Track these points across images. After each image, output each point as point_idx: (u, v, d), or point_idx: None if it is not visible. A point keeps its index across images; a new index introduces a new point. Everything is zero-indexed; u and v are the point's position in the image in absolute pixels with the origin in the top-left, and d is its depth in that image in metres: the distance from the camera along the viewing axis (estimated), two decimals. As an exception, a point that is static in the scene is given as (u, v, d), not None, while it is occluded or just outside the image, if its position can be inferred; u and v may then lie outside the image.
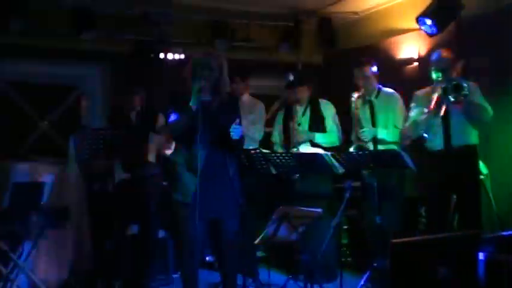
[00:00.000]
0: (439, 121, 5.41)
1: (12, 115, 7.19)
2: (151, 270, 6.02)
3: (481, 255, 3.96)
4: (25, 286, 5.70)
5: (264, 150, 6.05)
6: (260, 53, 7.99)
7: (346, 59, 7.72)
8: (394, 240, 3.58)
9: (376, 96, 6.07)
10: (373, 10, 7.62)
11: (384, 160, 5.47)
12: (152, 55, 7.16)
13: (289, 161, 5.83)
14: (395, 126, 5.96)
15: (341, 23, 7.95)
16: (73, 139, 5.29)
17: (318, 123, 6.35)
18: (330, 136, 6.32)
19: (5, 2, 6.52)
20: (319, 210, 4.59)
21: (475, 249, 3.84)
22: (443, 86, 5.29)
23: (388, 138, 5.94)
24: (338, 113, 6.41)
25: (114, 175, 5.44)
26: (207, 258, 6.77)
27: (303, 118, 6.37)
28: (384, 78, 6.18)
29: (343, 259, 6.68)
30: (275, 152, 6.10)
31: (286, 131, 6.44)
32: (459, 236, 4.06)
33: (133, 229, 6.03)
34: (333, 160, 5.65)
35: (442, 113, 5.35)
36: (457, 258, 3.66)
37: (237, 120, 4.71)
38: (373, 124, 6.01)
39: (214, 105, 4.66)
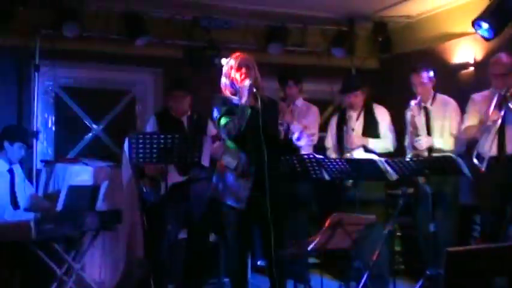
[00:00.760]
0: (494, 127, 5.30)
1: (66, 119, 7.29)
2: (203, 274, 6.03)
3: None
4: (78, 288, 5.78)
5: (317, 156, 6.02)
6: (314, 57, 7.93)
7: (401, 63, 7.66)
8: (450, 249, 3.49)
9: (432, 103, 5.97)
10: (428, 14, 7.49)
11: (439, 167, 5.37)
12: (202, 60, 7.18)
13: (342, 166, 5.79)
14: (451, 134, 5.85)
15: (395, 27, 7.84)
16: (128, 142, 5.31)
17: (371, 129, 6.27)
18: (384, 142, 6.23)
19: (59, 9, 6.61)
20: (372, 216, 4.52)
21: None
22: (502, 91, 5.17)
23: (445, 147, 5.83)
24: (393, 118, 6.31)
25: (166, 178, 5.45)
26: (258, 263, 6.76)
27: (357, 123, 6.29)
28: (439, 83, 6.07)
29: (395, 267, 6.58)
30: (328, 157, 6.05)
31: (340, 136, 6.38)
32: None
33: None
34: (387, 166, 5.59)
35: (499, 119, 5.24)
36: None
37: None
38: (428, 132, 5.91)
39: (259, 107, 4.63)
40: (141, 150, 5.27)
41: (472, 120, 5.59)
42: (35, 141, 6.79)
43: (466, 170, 5.14)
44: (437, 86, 6.05)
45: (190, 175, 5.74)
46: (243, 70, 4.76)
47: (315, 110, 6.62)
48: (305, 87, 6.67)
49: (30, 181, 6.49)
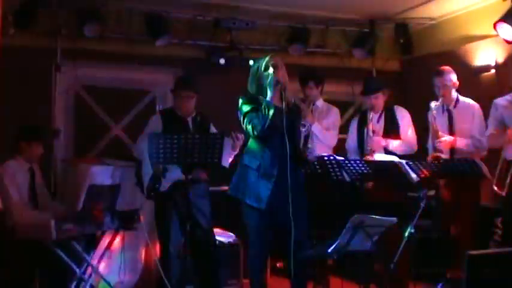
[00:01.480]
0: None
1: (86, 119, 7.31)
2: (221, 274, 6.02)
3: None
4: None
5: (338, 157, 5.99)
6: (334, 58, 7.92)
7: (423, 65, 7.61)
8: (471, 252, 3.46)
9: (455, 106, 5.94)
10: (449, 16, 7.45)
11: (460, 169, 5.33)
12: (222, 61, 7.18)
13: (363, 168, 5.76)
14: (473, 137, 5.81)
15: (417, 29, 7.80)
16: (149, 142, 5.29)
17: (392, 131, 6.22)
18: (405, 144, 6.18)
19: (80, 9, 6.64)
20: (393, 218, 4.48)
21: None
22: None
23: (466, 148, 5.79)
24: (414, 120, 6.27)
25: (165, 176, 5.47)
26: (278, 265, 6.74)
27: (377, 125, 6.25)
28: (460, 85, 6.02)
29: (415, 269, 6.52)
30: (349, 159, 6.01)
31: (360, 138, 6.34)
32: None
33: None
34: (408, 168, 5.55)
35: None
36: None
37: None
38: (451, 134, 5.86)
39: (285, 107, 4.62)
40: (161, 151, 5.25)
41: (495, 126, 5.54)
42: (55, 140, 6.84)
43: (486, 172, 5.09)
44: (459, 88, 5.99)
45: (193, 175, 5.70)
46: (271, 69, 4.74)
47: (335, 111, 6.59)
48: (326, 88, 6.64)
49: (49, 181, 6.55)
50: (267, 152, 4.76)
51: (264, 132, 4.66)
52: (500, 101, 5.57)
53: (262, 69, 4.79)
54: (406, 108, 6.36)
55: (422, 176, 5.49)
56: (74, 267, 5.47)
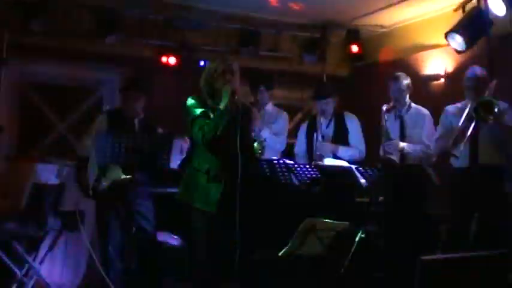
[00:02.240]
0: (466, 139, 5.34)
1: (31, 116, 7.10)
2: (163, 276, 5.91)
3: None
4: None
5: (287, 161, 5.97)
6: (285, 63, 7.89)
7: (373, 72, 7.67)
8: (424, 258, 3.47)
9: (407, 111, 6.02)
10: (401, 24, 7.52)
11: (408, 175, 5.39)
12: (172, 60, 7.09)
13: (312, 172, 5.75)
14: (422, 143, 5.87)
15: (368, 36, 7.85)
16: (96, 141, 5.17)
17: (341, 137, 6.23)
18: (354, 150, 6.20)
19: (28, 2, 6.44)
20: (345, 222, 4.47)
21: (504, 269, 3.74)
22: (474, 103, 5.21)
23: (415, 153, 5.86)
24: (363, 127, 6.30)
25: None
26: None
27: (326, 130, 6.25)
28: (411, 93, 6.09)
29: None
30: (298, 163, 6.00)
31: (309, 143, 6.34)
32: (489, 255, 3.94)
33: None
34: (357, 173, 5.57)
35: (470, 131, 5.27)
36: (486, 277, 3.55)
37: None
38: (402, 139, 5.93)
39: (234, 112, 4.56)
40: (109, 150, 5.15)
41: (443, 132, 5.62)
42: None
43: (434, 179, 5.16)
44: (410, 96, 6.07)
45: (136, 176, 5.58)
46: (226, 76, 4.66)
47: (284, 115, 6.56)
48: (276, 92, 6.63)
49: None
50: (217, 155, 4.67)
51: (214, 138, 4.58)
52: (451, 108, 5.67)
53: (219, 72, 4.70)
54: (355, 114, 6.37)
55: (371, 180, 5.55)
56: (15, 268, 5.32)
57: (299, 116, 8.08)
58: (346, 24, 7.63)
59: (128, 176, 5.42)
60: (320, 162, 6.01)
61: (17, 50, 6.63)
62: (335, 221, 4.43)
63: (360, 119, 6.32)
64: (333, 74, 8.01)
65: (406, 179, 5.46)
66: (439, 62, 7.16)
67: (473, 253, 3.94)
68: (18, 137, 6.99)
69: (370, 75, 7.76)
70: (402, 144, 5.89)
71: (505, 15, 5.71)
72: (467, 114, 5.31)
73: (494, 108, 5.09)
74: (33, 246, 5.61)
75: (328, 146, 6.16)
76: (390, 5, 6.98)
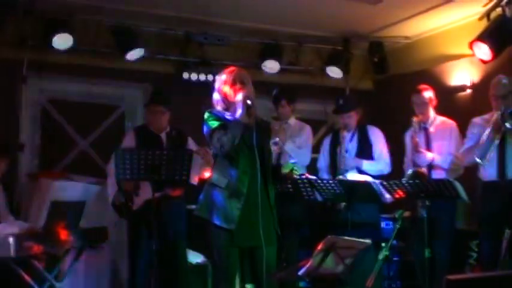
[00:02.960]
0: (494, 149, 5.20)
1: (53, 133, 7.06)
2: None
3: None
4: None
5: (310, 176, 5.86)
6: (307, 76, 7.80)
7: (397, 85, 7.54)
8: (450, 277, 3.33)
9: (432, 124, 5.93)
10: (425, 35, 7.39)
11: (436, 190, 5.24)
12: (194, 76, 7.05)
13: (335, 188, 5.63)
14: (451, 154, 5.79)
15: (392, 48, 7.72)
16: (115, 158, 5.13)
17: (365, 150, 6.15)
18: (378, 164, 6.11)
19: (48, 20, 6.44)
20: (367, 241, 4.33)
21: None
22: (501, 112, 5.09)
23: (443, 165, 5.78)
24: (388, 140, 6.19)
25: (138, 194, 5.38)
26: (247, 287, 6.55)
27: (350, 144, 6.16)
28: (436, 104, 6.01)
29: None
30: (321, 179, 5.89)
31: (333, 157, 6.23)
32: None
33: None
34: (381, 188, 5.44)
35: (497, 140, 5.14)
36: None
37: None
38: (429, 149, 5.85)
39: (253, 126, 4.46)
40: (128, 166, 5.09)
41: (471, 144, 5.50)
42: (19, 155, 6.62)
43: (463, 195, 5.00)
44: (434, 107, 5.98)
45: (165, 192, 5.55)
46: (238, 85, 4.57)
47: (308, 129, 6.48)
48: (298, 106, 6.55)
49: (13, 196, 6.33)
50: (236, 169, 4.57)
51: (232, 150, 4.49)
52: (478, 120, 5.56)
53: (230, 82, 4.62)
54: (379, 127, 6.28)
55: (397, 196, 5.42)
56: (35, 286, 5.26)
57: (323, 130, 7.95)
58: (369, 36, 7.52)
59: (160, 193, 5.42)
60: (342, 177, 5.92)
61: (37, 67, 6.64)
62: (356, 239, 4.28)
63: (384, 132, 6.24)
64: (357, 87, 7.89)
65: (436, 193, 5.30)
66: (464, 72, 7.02)
67: (502, 272, 3.80)
68: (40, 154, 6.96)
69: (394, 88, 7.64)
70: (431, 156, 5.80)
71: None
72: (494, 123, 5.19)
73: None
74: (53, 264, 5.58)
75: (352, 161, 6.06)
76: (413, 15, 6.87)
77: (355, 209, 5.79)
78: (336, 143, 6.24)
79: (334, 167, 6.17)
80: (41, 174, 6.35)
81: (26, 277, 5.13)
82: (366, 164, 6.05)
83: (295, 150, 6.30)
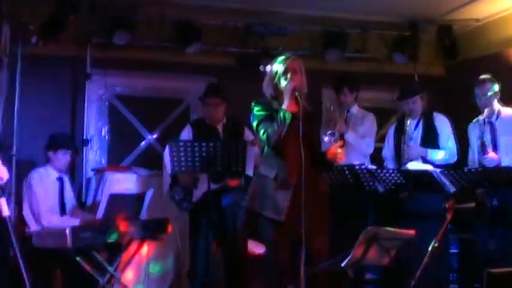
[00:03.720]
0: None
1: (120, 128, 7.24)
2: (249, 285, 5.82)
3: None
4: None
5: (369, 166, 5.72)
6: (374, 64, 7.58)
7: (469, 70, 7.22)
8: (492, 270, 3.18)
9: (497, 118, 5.64)
10: (497, 16, 6.99)
11: (500, 178, 5.00)
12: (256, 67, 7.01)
13: (396, 178, 5.48)
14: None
15: (462, 32, 7.39)
16: (169, 150, 5.18)
17: (431, 139, 5.93)
18: (445, 153, 5.88)
19: (110, 17, 6.58)
20: (411, 231, 4.15)
21: None
22: None
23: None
24: (457, 128, 5.96)
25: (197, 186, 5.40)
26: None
27: (415, 132, 5.96)
28: (508, 90, 5.72)
29: (452, 286, 6.15)
30: (381, 168, 5.73)
31: (398, 146, 6.04)
32: None
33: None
34: (443, 178, 5.24)
35: None
36: None
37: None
38: (495, 148, 5.56)
39: (302, 114, 4.35)
40: (182, 159, 5.14)
41: None
42: (85, 149, 6.82)
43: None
44: (508, 93, 5.71)
45: (223, 184, 5.55)
46: (288, 74, 4.50)
47: (371, 117, 6.34)
48: (366, 95, 6.45)
49: (81, 190, 6.54)
50: (284, 160, 4.48)
51: (279, 141, 4.41)
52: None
53: (281, 73, 4.54)
54: (450, 115, 6.06)
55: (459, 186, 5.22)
56: (97, 276, 5.39)
57: (393, 119, 7.73)
58: (437, 20, 7.21)
59: (218, 185, 5.43)
60: (405, 167, 5.75)
61: (101, 63, 6.81)
62: (400, 230, 4.12)
63: (454, 121, 6.01)
64: (426, 74, 7.59)
65: (498, 181, 5.06)
66: (539, 54, 6.64)
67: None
68: (107, 149, 7.15)
69: (465, 73, 7.32)
70: (497, 157, 5.48)
71: None
72: None
73: None
74: (115, 255, 5.70)
75: (416, 149, 5.85)
76: (483, -5, 6.56)
77: (419, 200, 5.63)
78: (400, 131, 6.05)
79: (400, 156, 5.97)
80: (105, 169, 6.51)
81: (87, 267, 5.29)
82: (431, 153, 5.83)
83: (358, 140, 6.19)
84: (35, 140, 6.18)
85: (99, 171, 6.53)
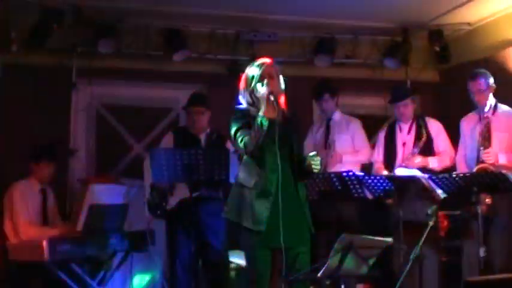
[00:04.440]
0: None
1: (107, 138, 7.14)
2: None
3: None
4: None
5: (357, 173, 5.60)
6: (365, 69, 7.45)
7: (461, 75, 7.09)
8: (469, 279, 3.07)
9: (493, 113, 5.50)
10: (488, 20, 6.85)
11: (489, 184, 4.87)
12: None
13: (384, 184, 5.35)
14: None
15: (453, 36, 7.24)
16: (150, 159, 5.08)
17: (425, 144, 5.79)
18: (444, 158, 5.82)
19: (95, 25, 6.49)
20: (388, 239, 4.01)
21: None
22: None
23: (510, 164, 5.33)
24: (454, 133, 5.87)
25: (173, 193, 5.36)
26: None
27: (407, 136, 5.88)
28: (502, 93, 5.63)
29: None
30: (368, 175, 5.61)
31: (389, 150, 5.96)
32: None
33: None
34: (432, 183, 5.11)
35: None
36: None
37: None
38: (489, 144, 5.41)
39: (279, 121, 4.22)
40: (164, 168, 5.03)
41: None
42: (70, 160, 6.74)
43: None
44: (501, 96, 5.60)
45: (201, 193, 5.44)
46: (265, 80, 4.37)
47: (357, 124, 6.26)
48: (357, 101, 6.34)
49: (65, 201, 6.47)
50: (262, 168, 4.35)
51: (257, 149, 4.28)
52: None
53: (258, 78, 4.42)
54: (444, 121, 5.99)
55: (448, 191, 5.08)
56: (78, 289, 5.30)
57: (385, 126, 7.61)
58: (428, 24, 7.07)
59: (196, 193, 5.32)
60: (388, 173, 5.68)
61: (87, 73, 6.72)
62: (376, 237, 3.98)
63: (450, 126, 5.93)
64: (418, 79, 7.46)
65: (486, 187, 4.93)
66: (533, 57, 6.49)
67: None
68: (95, 159, 7.05)
69: (459, 77, 7.18)
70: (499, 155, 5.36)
71: None
72: None
73: None
74: (99, 268, 5.60)
75: (418, 160, 5.72)
76: (473, -1, 6.42)
77: (410, 207, 5.49)
78: (391, 136, 5.98)
79: (390, 161, 5.88)
80: (91, 179, 6.41)
81: (69, 281, 5.19)
82: (432, 161, 5.76)
83: (356, 156, 6.16)
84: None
85: (84, 182, 6.44)
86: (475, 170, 5.33)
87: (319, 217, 4.71)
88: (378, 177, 5.43)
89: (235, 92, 6.70)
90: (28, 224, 5.56)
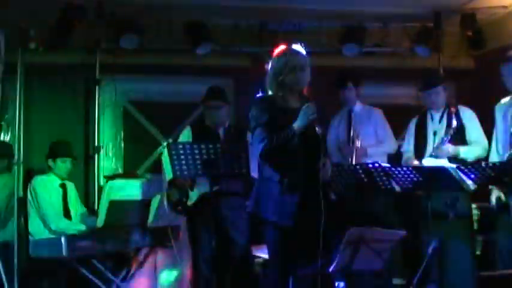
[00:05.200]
0: None
1: (135, 133, 7.14)
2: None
3: None
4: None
5: (383, 164, 5.41)
6: (395, 58, 7.24)
7: (497, 60, 6.82)
8: (483, 273, 2.91)
9: (529, 100, 5.19)
10: (525, 2, 6.60)
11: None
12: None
13: (411, 175, 5.14)
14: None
15: (487, 20, 6.97)
16: (169, 154, 4.99)
17: (457, 134, 5.52)
18: (477, 148, 5.53)
19: (118, 21, 6.47)
20: (402, 232, 3.82)
21: None
22: None
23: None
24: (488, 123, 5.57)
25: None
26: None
27: (439, 126, 5.64)
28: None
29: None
30: (395, 166, 5.41)
31: (419, 141, 5.72)
32: None
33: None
34: (461, 174, 4.89)
35: None
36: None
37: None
38: None
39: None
40: (183, 162, 4.94)
41: None
42: (98, 156, 6.76)
43: None
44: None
45: (222, 187, 5.32)
46: (297, 71, 4.22)
47: (379, 114, 6.06)
48: (386, 91, 6.10)
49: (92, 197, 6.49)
50: (292, 163, 4.18)
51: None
52: None
53: (288, 69, 4.28)
54: (483, 110, 5.71)
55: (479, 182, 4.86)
56: (101, 285, 5.25)
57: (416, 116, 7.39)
58: (461, 8, 6.81)
59: (216, 188, 5.24)
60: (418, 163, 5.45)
61: (111, 69, 6.73)
62: (389, 230, 3.80)
63: (485, 115, 5.62)
64: (452, 66, 7.19)
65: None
66: None
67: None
68: (122, 155, 7.04)
69: (494, 64, 6.90)
70: None
71: None
72: None
73: None
74: (122, 264, 5.56)
75: (448, 149, 5.49)
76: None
77: (441, 199, 5.29)
78: (422, 126, 5.75)
79: (420, 151, 5.66)
80: (117, 176, 6.39)
81: (91, 277, 5.17)
82: (463, 151, 5.49)
83: (381, 148, 6.00)
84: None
85: (110, 178, 6.41)
86: (505, 157, 5.07)
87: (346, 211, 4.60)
88: (405, 169, 5.22)
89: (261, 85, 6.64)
90: (57, 216, 5.64)
